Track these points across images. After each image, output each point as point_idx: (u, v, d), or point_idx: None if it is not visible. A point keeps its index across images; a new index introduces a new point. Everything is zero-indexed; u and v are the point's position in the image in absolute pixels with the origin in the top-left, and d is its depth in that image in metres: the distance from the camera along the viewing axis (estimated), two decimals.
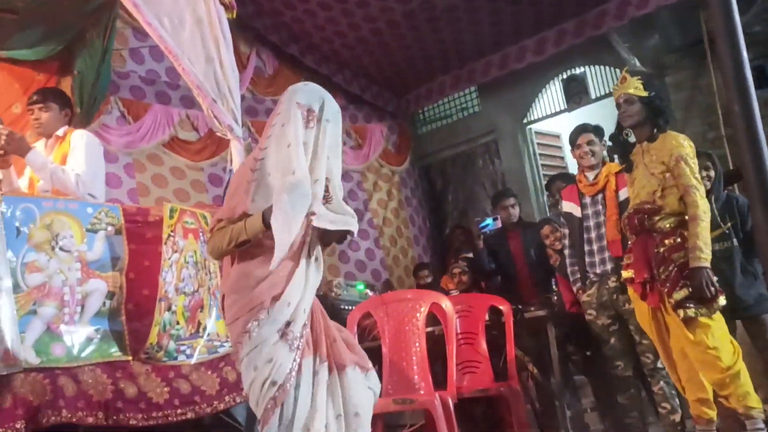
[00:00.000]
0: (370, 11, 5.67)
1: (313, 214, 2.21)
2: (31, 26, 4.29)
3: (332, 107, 2.41)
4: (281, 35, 6.15)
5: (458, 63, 6.71)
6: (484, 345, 4.03)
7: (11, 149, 3.18)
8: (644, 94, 3.14)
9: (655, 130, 3.15)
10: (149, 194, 5.16)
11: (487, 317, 4.10)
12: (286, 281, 2.20)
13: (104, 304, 2.84)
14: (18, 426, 2.43)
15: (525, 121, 6.99)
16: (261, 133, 6.06)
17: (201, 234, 3.25)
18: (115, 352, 2.83)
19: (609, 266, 3.55)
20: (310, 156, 2.30)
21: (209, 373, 3.16)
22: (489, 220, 4.63)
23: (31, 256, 2.64)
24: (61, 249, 2.75)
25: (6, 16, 4.14)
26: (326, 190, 2.31)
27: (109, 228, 2.92)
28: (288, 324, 2.20)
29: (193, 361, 3.10)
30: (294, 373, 2.17)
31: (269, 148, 2.30)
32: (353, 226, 2.33)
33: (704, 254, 2.89)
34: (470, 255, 5.20)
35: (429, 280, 5.71)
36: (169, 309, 3.00)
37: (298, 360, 2.19)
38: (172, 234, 3.06)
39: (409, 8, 5.68)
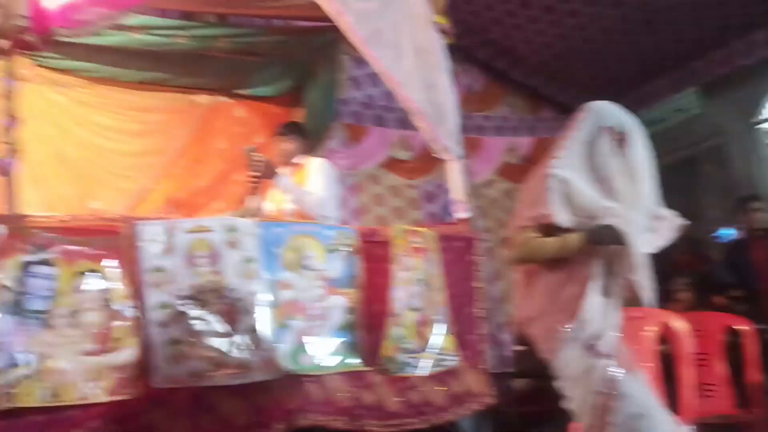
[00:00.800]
0: (581, 20, 5.56)
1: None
2: (270, 66, 4.79)
3: (637, 128, 2.44)
4: (489, 51, 6.25)
5: (676, 63, 6.31)
6: (720, 367, 3.74)
7: (265, 175, 3.59)
8: None
9: None
10: (369, 213, 5.48)
11: (724, 338, 3.81)
12: (583, 302, 2.29)
13: (344, 318, 3.09)
14: (278, 425, 2.74)
15: (755, 120, 6.38)
16: (471, 150, 6.20)
17: (427, 253, 3.41)
18: (354, 363, 3.06)
19: None
20: (628, 181, 2.41)
21: (437, 385, 3.28)
22: (725, 230, 4.29)
23: (283, 275, 2.95)
24: (306, 268, 3.04)
25: (249, 59, 4.68)
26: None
27: (347, 248, 3.17)
28: (595, 338, 2.28)
29: (421, 373, 3.24)
30: (617, 381, 2.25)
31: (564, 158, 2.41)
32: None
33: None
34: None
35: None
36: (399, 324, 3.18)
37: (615, 368, 2.27)
38: (401, 253, 3.25)
39: (622, 12, 5.47)
